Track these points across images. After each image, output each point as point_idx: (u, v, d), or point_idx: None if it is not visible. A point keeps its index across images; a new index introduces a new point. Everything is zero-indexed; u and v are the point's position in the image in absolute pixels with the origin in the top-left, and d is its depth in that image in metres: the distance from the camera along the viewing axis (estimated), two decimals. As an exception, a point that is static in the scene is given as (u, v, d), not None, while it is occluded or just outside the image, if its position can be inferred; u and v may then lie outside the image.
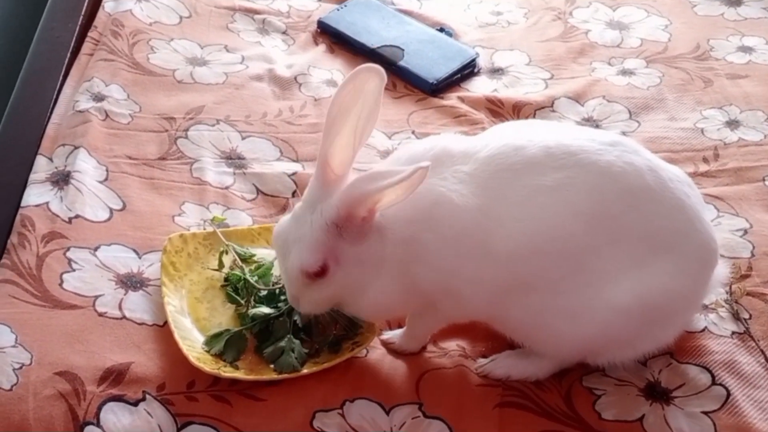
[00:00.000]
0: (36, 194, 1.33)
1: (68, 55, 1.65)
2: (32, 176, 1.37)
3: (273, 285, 1.19)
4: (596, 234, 1.03)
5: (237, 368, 1.10)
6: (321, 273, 1.03)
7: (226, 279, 1.21)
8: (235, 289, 1.19)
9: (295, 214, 1.05)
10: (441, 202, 1.03)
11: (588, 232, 1.03)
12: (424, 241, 1.03)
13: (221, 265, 1.23)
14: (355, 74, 1.01)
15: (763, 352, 1.17)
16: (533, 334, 1.10)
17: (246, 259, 1.23)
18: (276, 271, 1.20)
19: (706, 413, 1.09)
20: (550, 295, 1.04)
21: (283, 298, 1.16)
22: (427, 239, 1.03)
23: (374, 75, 1.02)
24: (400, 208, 1.02)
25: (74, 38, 1.68)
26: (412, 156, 1.07)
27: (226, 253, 1.23)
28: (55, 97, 1.55)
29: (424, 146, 1.09)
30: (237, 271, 1.21)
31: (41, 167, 1.39)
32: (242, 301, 1.18)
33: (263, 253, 1.25)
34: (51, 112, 1.51)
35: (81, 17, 1.72)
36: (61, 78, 1.60)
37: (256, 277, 1.19)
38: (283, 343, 1.10)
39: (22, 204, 1.31)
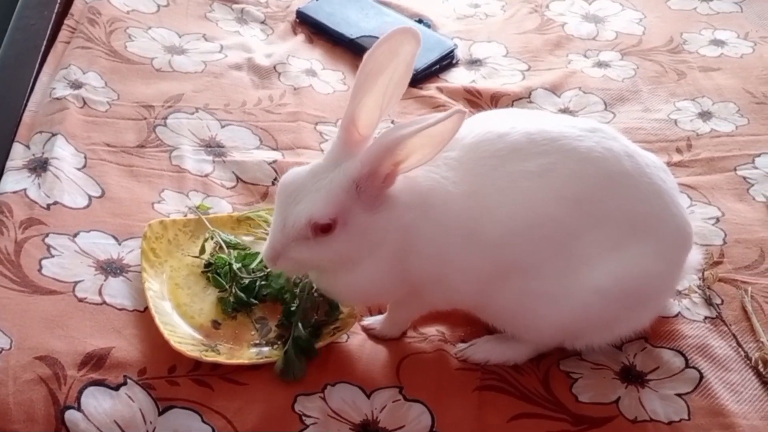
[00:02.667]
0: (13, 181, 1.31)
1: (44, 43, 1.64)
2: (9, 163, 1.35)
3: (254, 273, 1.20)
4: (578, 218, 1.04)
5: (218, 353, 1.11)
6: (327, 228, 1.00)
7: (208, 264, 1.21)
8: (218, 273, 1.20)
9: (313, 170, 1.02)
10: (437, 189, 1.03)
11: (570, 216, 1.04)
12: (421, 229, 1.03)
13: (203, 251, 1.23)
14: (391, 35, 0.99)
15: (734, 336, 1.19)
16: (516, 319, 1.11)
17: (232, 246, 1.23)
18: (257, 260, 1.20)
19: (679, 395, 1.12)
20: (533, 279, 1.05)
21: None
22: (424, 227, 1.03)
23: (411, 37, 0.99)
24: (403, 191, 1.02)
25: (50, 26, 1.67)
26: None
27: (212, 238, 1.23)
28: (31, 84, 1.54)
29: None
30: (224, 256, 1.21)
31: (18, 154, 1.37)
32: (227, 286, 1.18)
33: (245, 241, 1.25)
34: (27, 100, 1.50)
35: (57, 5, 1.70)
36: (37, 66, 1.58)
37: (239, 265, 1.19)
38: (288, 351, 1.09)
39: (-1, 191, 1.30)
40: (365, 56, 0.99)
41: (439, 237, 1.04)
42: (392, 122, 1.54)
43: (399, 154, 0.98)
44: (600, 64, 1.73)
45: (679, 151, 1.52)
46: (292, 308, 1.14)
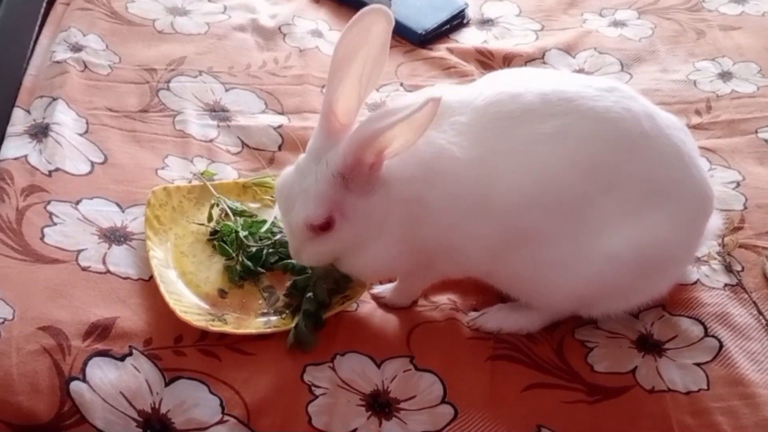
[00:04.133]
0: (14, 147, 1.28)
1: (44, 4, 1.61)
2: (9, 129, 1.32)
3: (261, 241, 1.17)
4: (594, 182, 1.01)
5: (225, 322, 1.08)
6: (326, 226, 1.00)
7: (213, 232, 1.19)
8: (224, 241, 1.17)
9: (298, 166, 1.01)
10: (443, 156, 0.99)
11: (586, 181, 1.01)
12: (427, 200, 1.00)
13: (211, 218, 1.20)
14: (360, 16, 0.97)
15: (755, 303, 1.16)
16: (530, 287, 1.08)
17: (238, 213, 1.20)
18: (264, 228, 1.18)
19: (698, 365, 1.09)
20: (548, 246, 1.02)
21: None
22: (431, 197, 1.00)
23: (381, 17, 0.97)
24: (402, 164, 0.98)
25: (50, -13, 1.63)
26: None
27: (217, 205, 1.21)
28: (31, 48, 1.51)
29: (417, 99, 1.05)
30: (230, 223, 1.18)
31: (18, 120, 1.35)
32: (233, 254, 1.15)
33: (252, 208, 1.22)
34: (27, 64, 1.47)
35: (56, -35, 1.66)
36: (37, 28, 1.55)
37: (246, 233, 1.17)
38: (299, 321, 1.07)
39: (0, 157, 1.27)
40: (337, 42, 0.97)
41: (447, 205, 1.01)
42: (401, 84, 1.51)
43: (380, 143, 0.95)
44: (616, 24, 1.68)
45: (698, 113, 1.47)
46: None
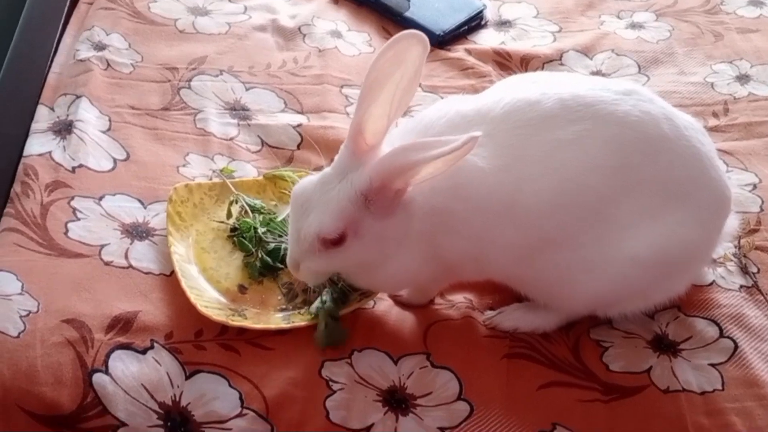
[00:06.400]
0: (38, 144, 1.31)
1: (68, 3, 1.63)
2: (34, 125, 1.35)
3: (279, 237, 1.18)
4: (616, 185, 1.02)
5: (245, 317, 1.10)
6: (337, 242, 1.00)
7: (234, 229, 1.20)
8: (243, 237, 1.18)
9: (321, 179, 1.01)
10: (465, 167, 0.99)
11: (608, 184, 1.01)
12: (452, 211, 1.01)
13: (230, 215, 1.21)
14: (396, 40, 0.96)
15: (770, 305, 1.17)
16: (552, 289, 1.09)
17: (256, 210, 1.21)
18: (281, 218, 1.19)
19: (713, 365, 1.09)
20: (571, 249, 1.03)
21: None
22: (456, 208, 1.01)
23: (417, 42, 0.96)
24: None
25: (74, -13, 1.65)
26: (427, 125, 1.04)
27: (236, 202, 1.22)
28: (55, 46, 1.53)
29: (437, 113, 1.05)
30: (249, 220, 1.19)
31: (42, 117, 1.37)
32: (253, 250, 1.17)
33: (270, 205, 1.24)
34: (51, 61, 1.49)
35: (80, -35, 1.68)
36: (60, 27, 1.57)
37: (264, 229, 1.18)
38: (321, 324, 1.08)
39: (25, 153, 1.29)
40: (371, 64, 0.96)
41: (473, 215, 1.01)
42: (419, 85, 1.51)
43: (411, 173, 0.96)
44: (634, 26, 1.68)
45: (715, 115, 1.48)
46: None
